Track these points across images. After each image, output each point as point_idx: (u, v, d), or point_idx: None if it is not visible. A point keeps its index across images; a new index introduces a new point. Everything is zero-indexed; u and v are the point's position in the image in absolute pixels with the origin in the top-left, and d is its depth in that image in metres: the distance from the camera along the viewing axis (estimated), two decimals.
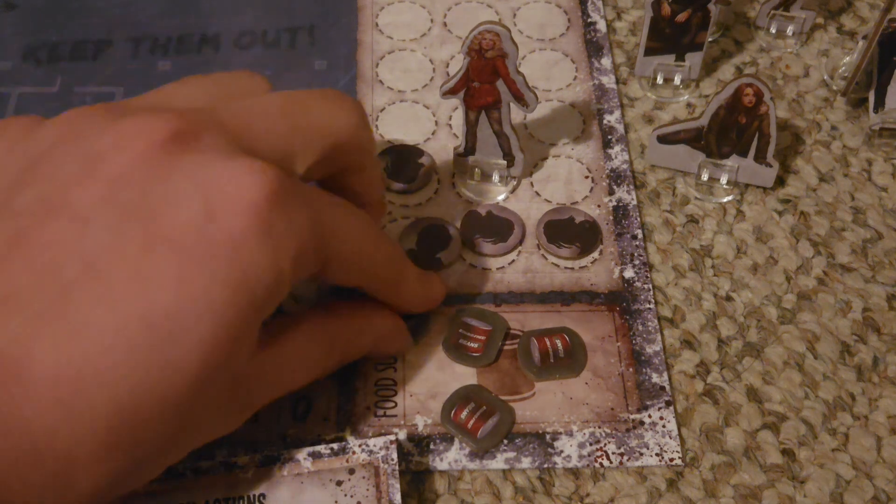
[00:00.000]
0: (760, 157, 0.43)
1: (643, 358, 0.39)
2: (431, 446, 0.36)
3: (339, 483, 0.34)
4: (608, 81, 0.48)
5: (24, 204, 0.28)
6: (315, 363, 0.34)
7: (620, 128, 0.46)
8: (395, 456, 0.35)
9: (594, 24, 0.51)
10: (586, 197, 0.44)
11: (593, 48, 0.50)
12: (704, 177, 0.44)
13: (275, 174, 0.29)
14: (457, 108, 0.47)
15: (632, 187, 0.44)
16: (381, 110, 0.47)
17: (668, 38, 0.46)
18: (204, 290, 0.27)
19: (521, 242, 0.42)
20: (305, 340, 0.34)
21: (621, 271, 0.41)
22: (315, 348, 0.34)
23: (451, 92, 0.41)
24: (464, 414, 0.36)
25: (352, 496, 0.34)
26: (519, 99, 0.41)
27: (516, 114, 0.42)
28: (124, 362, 0.26)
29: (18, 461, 0.26)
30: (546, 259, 0.42)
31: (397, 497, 0.34)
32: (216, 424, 0.31)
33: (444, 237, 0.42)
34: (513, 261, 0.42)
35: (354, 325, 0.36)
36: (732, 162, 0.43)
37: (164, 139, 0.29)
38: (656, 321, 0.40)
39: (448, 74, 0.48)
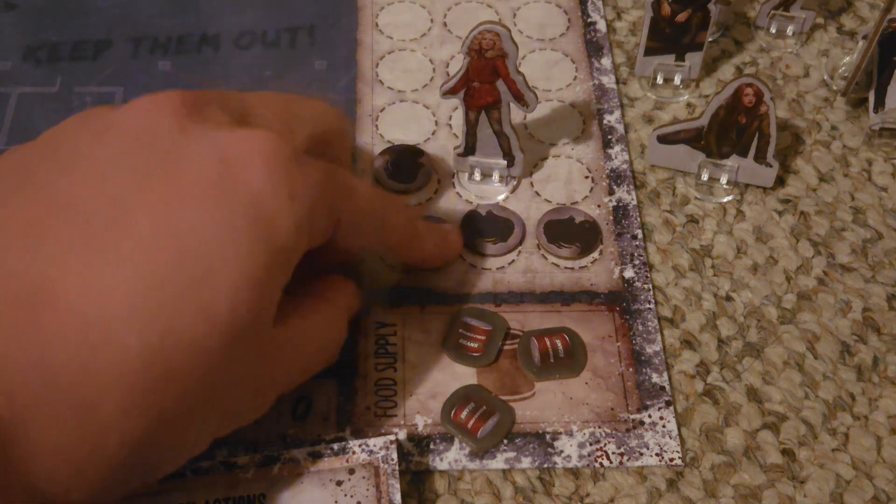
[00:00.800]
0: (760, 157, 0.43)
1: (643, 358, 0.39)
2: (431, 446, 0.36)
3: (339, 483, 0.34)
4: (608, 81, 0.48)
5: (46, 171, 0.29)
6: (331, 342, 0.35)
7: (620, 128, 0.46)
8: (395, 456, 0.35)
9: (594, 24, 0.51)
10: (586, 197, 0.44)
11: (593, 48, 0.50)
12: (704, 177, 0.44)
13: (286, 138, 0.30)
14: (457, 108, 0.47)
15: (632, 187, 0.44)
16: (381, 110, 0.47)
17: (668, 38, 0.46)
18: (229, 237, 0.28)
19: (521, 242, 0.42)
20: (319, 319, 0.34)
21: (621, 271, 0.41)
22: (329, 325, 0.35)
23: (451, 92, 0.41)
24: (464, 414, 0.36)
25: (352, 496, 0.34)
26: (519, 99, 0.41)
27: (516, 114, 0.42)
28: (154, 301, 0.26)
29: (42, 399, 0.25)
30: (546, 259, 0.42)
31: (397, 497, 0.34)
32: (241, 403, 0.31)
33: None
34: (513, 261, 0.42)
35: (350, 290, 0.37)
36: (732, 162, 0.43)
37: (175, 109, 0.30)
38: (656, 321, 0.40)
39: (448, 74, 0.48)
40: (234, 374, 0.29)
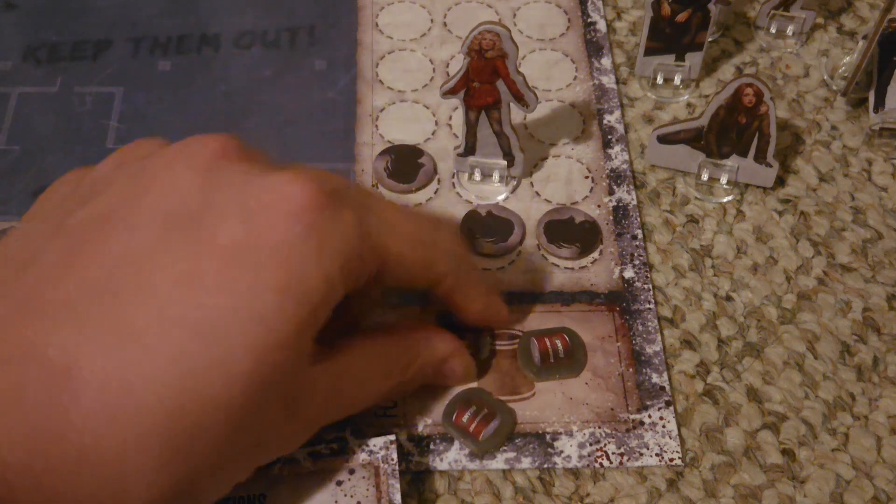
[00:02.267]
0: (760, 157, 0.43)
1: (643, 358, 0.39)
2: (431, 446, 0.36)
3: (339, 483, 0.34)
4: (608, 81, 0.48)
5: (78, 221, 0.29)
6: (373, 382, 0.34)
7: (620, 128, 0.46)
8: (395, 456, 0.35)
9: (594, 24, 0.51)
10: (586, 197, 0.44)
11: (593, 48, 0.50)
12: (704, 177, 0.44)
13: (315, 182, 0.29)
14: (457, 108, 0.47)
15: (632, 187, 0.44)
16: (381, 110, 0.47)
17: (668, 38, 0.46)
18: (249, 295, 0.27)
19: (521, 242, 0.42)
20: (362, 358, 0.33)
21: (621, 271, 0.41)
22: (372, 366, 0.34)
23: (451, 92, 0.41)
24: (465, 417, 0.36)
25: (352, 496, 0.34)
26: (519, 99, 0.41)
27: (516, 114, 0.42)
28: (171, 366, 0.26)
29: (67, 470, 0.26)
30: (546, 259, 0.42)
31: (397, 497, 0.34)
32: (273, 442, 0.31)
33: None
34: (513, 261, 0.42)
35: (412, 345, 0.35)
36: (732, 162, 0.43)
37: (206, 159, 0.30)
38: (656, 321, 0.40)
39: (448, 74, 0.48)
40: (262, 418, 0.29)
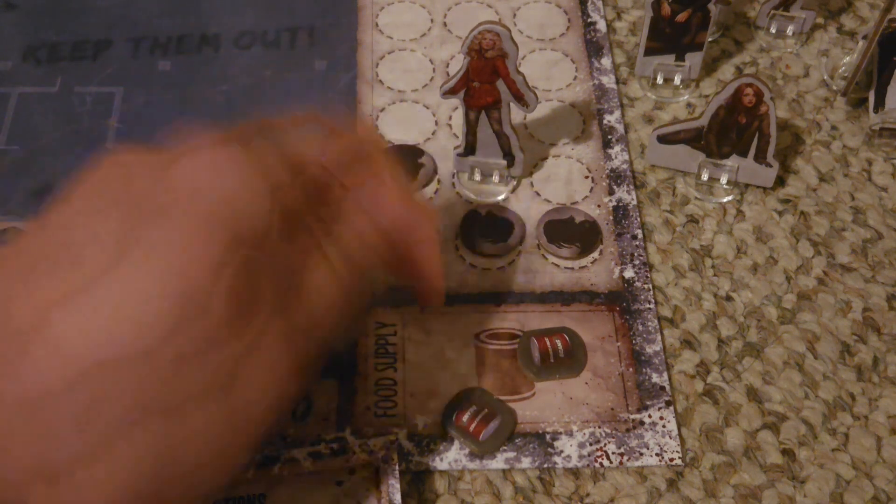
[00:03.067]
0: (760, 157, 0.43)
1: (643, 358, 0.39)
2: (431, 446, 0.36)
3: (339, 483, 0.34)
4: (608, 81, 0.48)
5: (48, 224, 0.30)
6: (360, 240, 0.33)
7: (620, 128, 0.46)
8: (395, 456, 0.35)
9: (594, 24, 0.51)
10: (586, 197, 0.44)
11: (593, 48, 0.50)
12: (704, 177, 0.44)
13: (222, 138, 0.31)
14: (457, 108, 0.47)
15: (632, 187, 0.44)
16: (381, 110, 0.47)
17: (668, 38, 0.46)
18: (195, 245, 0.28)
19: (521, 242, 0.42)
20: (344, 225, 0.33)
21: (621, 271, 0.41)
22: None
23: (451, 92, 0.41)
24: (465, 417, 0.36)
25: (352, 496, 0.34)
26: (519, 99, 0.40)
27: (516, 114, 0.42)
28: (145, 316, 0.27)
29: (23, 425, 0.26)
30: (546, 259, 0.42)
31: (397, 497, 0.34)
32: (267, 385, 0.30)
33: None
34: (513, 261, 0.42)
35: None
36: (732, 162, 0.43)
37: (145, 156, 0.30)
38: (656, 321, 0.40)
39: (448, 74, 0.48)
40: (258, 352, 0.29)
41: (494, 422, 0.36)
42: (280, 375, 0.30)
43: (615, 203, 0.43)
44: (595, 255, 0.42)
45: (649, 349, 0.39)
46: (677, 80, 0.48)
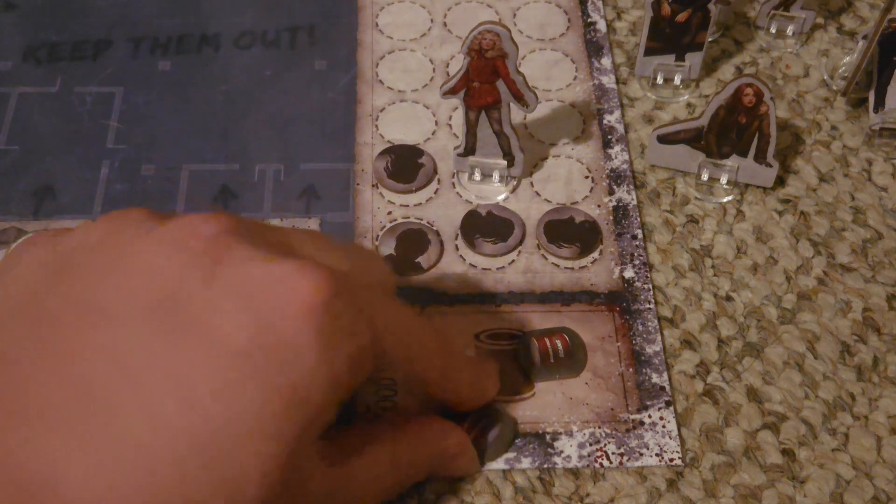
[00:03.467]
0: (760, 157, 0.43)
1: (643, 358, 0.39)
2: None
3: None
4: (608, 81, 0.48)
5: (55, 304, 0.26)
6: (380, 481, 0.32)
7: (620, 128, 0.46)
8: None
9: (594, 24, 0.51)
10: (586, 197, 0.44)
11: (593, 48, 0.50)
12: (704, 177, 0.44)
13: (331, 275, 0.27)
14: (457, 108, 0.47)
15: (632, 187, 0.44)
16: (381, 110, 0.47)
17: (668, 38, 0.46)
18: (254, 402, 0.25)
19: (521, 242, 0.42)
20: (369, 457, 0.31)
21: (621, 271, 0.41)
22: (379, 466, 0.32)
23: (451, 92, 0.41)
24: (464, 426, 0.36)
25: None
26: (519, 99, 0.41)
27: (516, 114, 0.42)
28: (173, 484, 0.24)
29: None
30: (546, 259, 0.42)
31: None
32: None
33: (422, 242, 0.42)
34: (513, 261, 0.42)
35: (421, 444, 0.34)
36: (732, 162, 0.43)
37: (206, 239, 0.27)
38: (656, 321, 0.40)
39: (448, 74, 0.48)
40: None
41: (494, 430, 0.36)
42: None
43: (615, 203, 0.43)
44: (595, 255, 0.42)
45: (649, 349, 0.39)
46: (677, 80, 0.48)
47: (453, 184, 0.44)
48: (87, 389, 0.25)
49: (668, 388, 0.38)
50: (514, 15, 0.51)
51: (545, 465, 0.36)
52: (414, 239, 0.42)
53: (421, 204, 0.43)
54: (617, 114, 0.47)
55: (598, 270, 0.41)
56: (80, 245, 0.28)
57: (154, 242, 0.27)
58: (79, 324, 0.26)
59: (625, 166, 0.45)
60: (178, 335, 0.25)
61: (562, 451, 0.36)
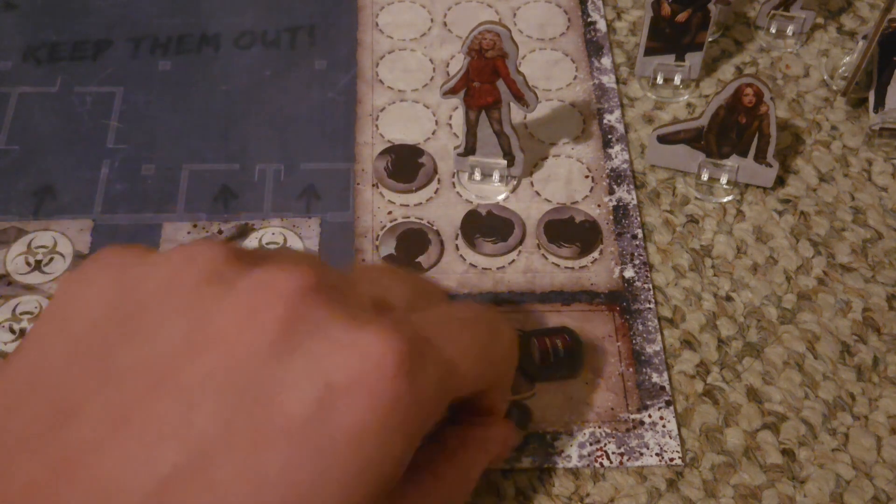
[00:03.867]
0: (760, 157, 0.43)
1: (643, 358, 0.39)
2: None
3: None
4: (608, 81, 0.48)
5: (127, 366, 0.25)
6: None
7: (620, 128, 0.46)
8: None
9: (594, 24, 0.51)
10: (586, 197, 0.44)
11: (593, 48, 0.50)
12: (704, 177, 0.44)
13: (403, 341, 0.26)
14: (457, 108, 0.47)
15: (632, 187, 0.44)
16: (381, 110, 0.47)
17: (668, 38, 0.46)
18: (317, 487, 0.24)
19: (521, 242, 0.42)
20: (427, 499, 0.30)
21: (621, 271, 0.41)
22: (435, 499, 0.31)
23: (451, 92, 0.41)
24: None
25: None
26: (519, 99, 0.41)
27: (516, 114, 0.42)
28: None
29: None
30: (546, 259, 0.42)
31: None
32: None
33: (423, 241, 0.42)
34: (513, 261, 0.42)
35: (467, 463, 0.32)
36: (732, 162, 0.43)
37: (290, 300, 0.26)
38: (656, 321, 0.40)
39: (448, 74, 0.48)
40: None
41: (511, 416, 0.36)
42: None
43: (615, 203, 0.43)
44: (595, 254, 0.42)
45: (649, 349, 0.39)
46: (677, 80, 0.48)
47: (453, 183, 0.44)
48: (152, 466, 0.24)
49: (668, 387, 0.38)
50: (514, 15, 0.51)
51: (545, 465, 0.36)
52: (414, 239, 0.42)
53: (421, 204, 0.43)
54: (617, 114, 0.47)
55: (599, 270, 0.41)
56: (154, 290, 0.27)
57: (230, 310, 0.26)
58: (149, 392, 0.25)
59: (625, 166, 0.45)
60: (247, 416, 0.24)
61: (562, 451, 0.36)
